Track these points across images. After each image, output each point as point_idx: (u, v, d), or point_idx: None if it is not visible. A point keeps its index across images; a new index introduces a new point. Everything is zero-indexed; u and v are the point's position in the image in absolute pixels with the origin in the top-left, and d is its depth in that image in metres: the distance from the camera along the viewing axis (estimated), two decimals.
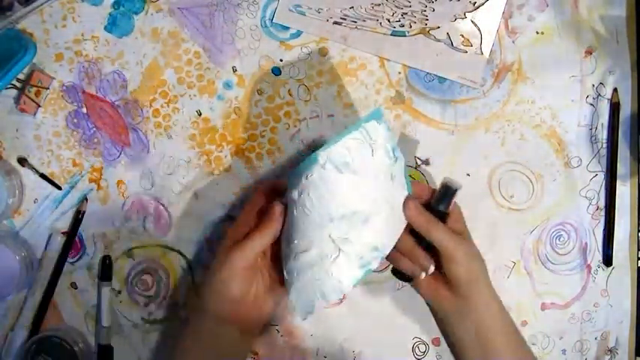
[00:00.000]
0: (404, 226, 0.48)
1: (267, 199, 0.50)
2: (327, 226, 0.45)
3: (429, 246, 0.48)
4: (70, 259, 0.60)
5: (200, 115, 0.59)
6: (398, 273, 0.51)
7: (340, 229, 0.45)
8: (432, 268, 0.48)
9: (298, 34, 0.58)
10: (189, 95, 0.59)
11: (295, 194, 0.45)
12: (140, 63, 0.59)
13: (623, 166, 0.59)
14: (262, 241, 0.47)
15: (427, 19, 0.57)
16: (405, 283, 0.52)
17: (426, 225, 0.47)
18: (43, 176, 0.59)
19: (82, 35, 0.59)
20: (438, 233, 0.47)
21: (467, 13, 0.57)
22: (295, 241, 0.46)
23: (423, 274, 0.48)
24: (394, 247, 0.48)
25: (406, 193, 0.48)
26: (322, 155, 0.44)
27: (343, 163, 0.44)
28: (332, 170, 0.44)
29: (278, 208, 0.47)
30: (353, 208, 0.45)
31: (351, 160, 0.44)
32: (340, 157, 0.44)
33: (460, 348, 0.49)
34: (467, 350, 0.49)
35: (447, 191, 0.49)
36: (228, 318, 0.48)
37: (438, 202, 0.49)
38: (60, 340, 0.58)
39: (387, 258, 0.48)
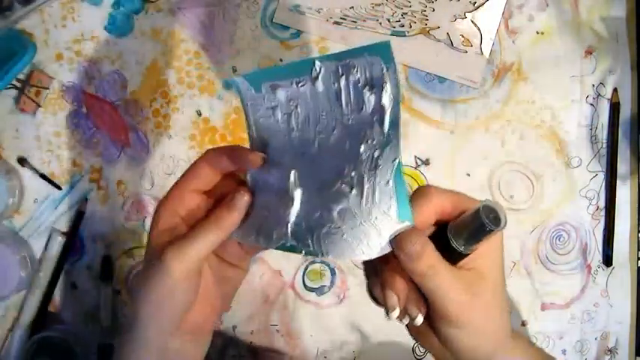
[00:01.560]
0: (378, 252, 0.33)
1: (219, 175, 0.36)
2: (296, 161, 0.33)
3: None
4: (70, 259, 0.60)
5: (200, 115, 0.59)
6: (373, 295, 0.37)
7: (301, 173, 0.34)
8: (419, 320, 0.34)
9: (298, 34, 0.58)
10: (189, 95, 0.59)
11: (284, 95, 0.33)
12: (140, 63, 0.59)
13: (623, 166, 0.59)
14: (212, 241, 0.33)
15: (427, 19, 0.57)
16: None
17: (425, 273, 0.32)
18: (43, 176, 0.59)
19: (82, 35, 0.59)
20: (434, 281, 0.32)
21: (467, 13, 0.57)
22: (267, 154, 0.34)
23: (406, 321, 0.35)
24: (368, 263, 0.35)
25: (393, 207, 0.32)
26: (318, 64, 0.32)
27: (333, 88, 0.33)
28: (321, 89, 0.33)
29: (244, 199, 0.34)
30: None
31: (341, 90, 0.33)
32: (333, 77, 0.32)
33: None
34: None
35: (481, 227, 0.31)
36: (174, 332, 0.36)
37: (462, 234, 0.32)
38: (60, 340, 0.58)
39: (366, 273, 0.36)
